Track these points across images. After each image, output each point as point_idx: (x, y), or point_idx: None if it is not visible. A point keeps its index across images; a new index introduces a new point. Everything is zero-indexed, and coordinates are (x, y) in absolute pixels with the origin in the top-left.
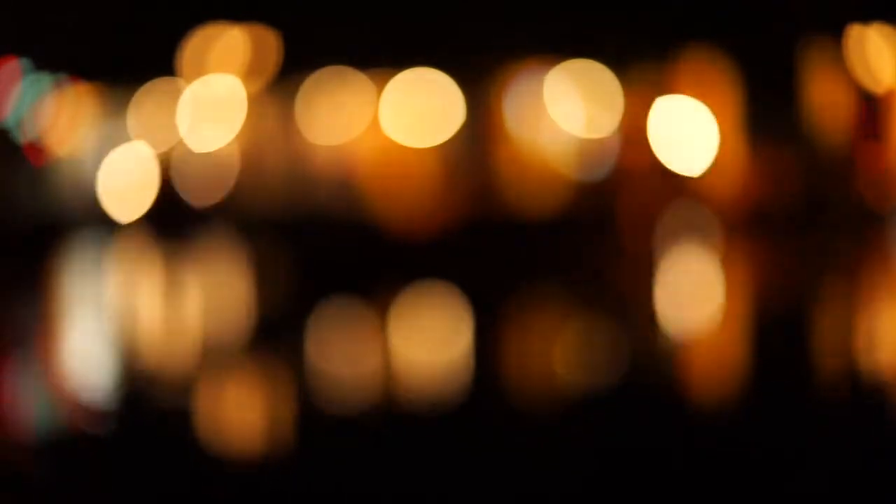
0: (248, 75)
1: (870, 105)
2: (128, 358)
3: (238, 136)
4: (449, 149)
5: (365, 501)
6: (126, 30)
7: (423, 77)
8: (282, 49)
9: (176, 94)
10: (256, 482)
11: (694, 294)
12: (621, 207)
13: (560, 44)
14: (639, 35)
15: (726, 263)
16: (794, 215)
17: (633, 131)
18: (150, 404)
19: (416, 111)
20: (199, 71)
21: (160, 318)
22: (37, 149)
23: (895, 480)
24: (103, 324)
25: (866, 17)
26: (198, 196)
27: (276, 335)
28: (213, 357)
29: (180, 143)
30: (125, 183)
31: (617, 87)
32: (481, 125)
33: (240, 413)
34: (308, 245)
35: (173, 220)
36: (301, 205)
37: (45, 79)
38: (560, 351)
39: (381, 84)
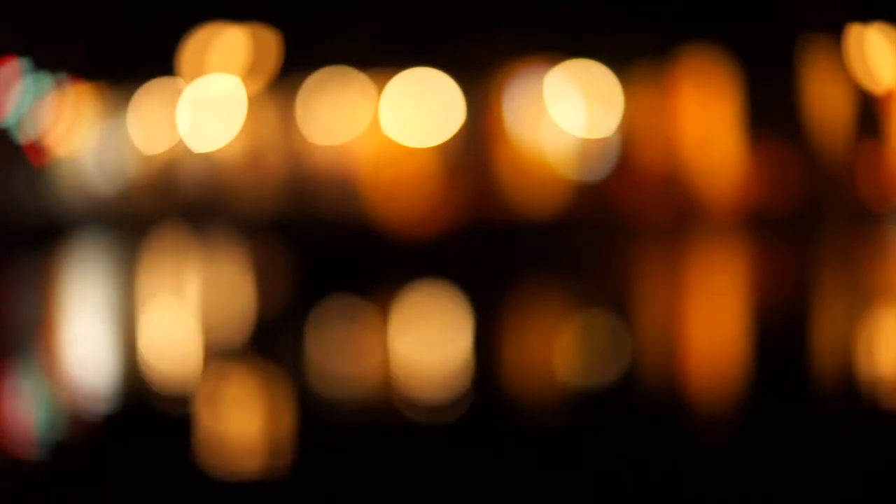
0: (248, 75)
1: (870, 105)
2: (128, 358)
3: (238, 136)
4: (449, 149)
5: (365, 502)
6: (126, 30)
7: (423, 77)
8: (282, 49)
9: (176, 94)
10: (256, 482)
11: (690, 293)
12: (621, 207)
13: (560, 44)
14: (639, 35)
15: (725, 263)
16: (794, 215)
17: (633, 131)
18: (149, 404)
19: (416, 111)
20: (199, 71)
21: (160, 317)
22: (37, 149)
23: (895, 482)
24: (103, 323)
25: (866, 17)
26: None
27: (276, 335)
28: (213, 357)
29: (180, 143)
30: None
31: (617, 87)
32: (481, 125)
33: (240, 413)
34: (308, 245)
35: (176, 220)
36: (301, 205)
37: (45, 79)
38: (560, 351)
39: (381, 84)
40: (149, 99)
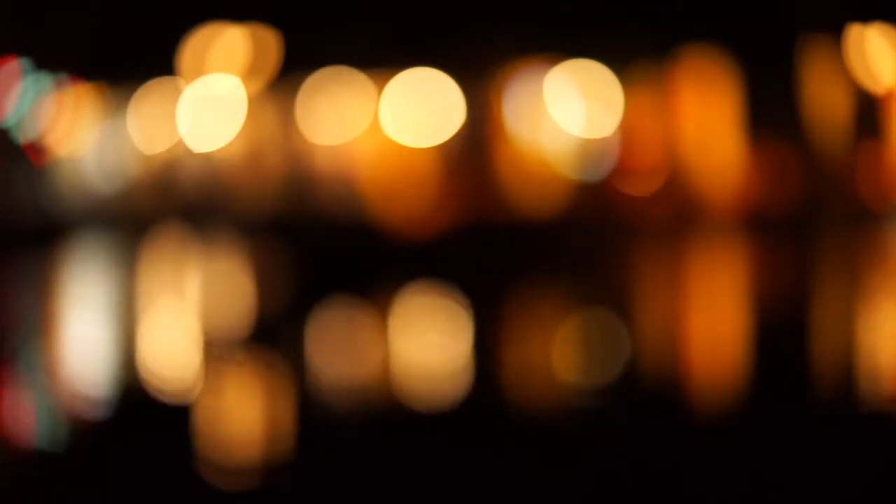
0: (248, 75)
1: (870, 105)
2: (128, 358)
3: (238, 136)
4: (449, 149)
5: (364, 502)
6: (126, 30)
7: (423, 77)
8: (282, 49)
9: (176, 94)
10: (256, 482)
11: (690, 293)
12: (621, 207)
13: (560, 44)
14: (639, 35)
15: (725, 263)
16: (794, 215)
17: (633, 131)
18: (149, 404)
19: (416, 111)
20: (199, 71)
21: (160, 317)
22: (37, 149)
23: (894, 483)
24: (103, 323)
25: (866, 17)
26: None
27: (275, 335)
28: (213, 356)
29: (180, 143)
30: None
31: (617, 87)
32: (481, 125)
33: (239, 412)
34: (308, 245)
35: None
36: (301, 205)
37: (45, 79)
38: (560, 351)
39: (381, 84)
40: (149, 99)
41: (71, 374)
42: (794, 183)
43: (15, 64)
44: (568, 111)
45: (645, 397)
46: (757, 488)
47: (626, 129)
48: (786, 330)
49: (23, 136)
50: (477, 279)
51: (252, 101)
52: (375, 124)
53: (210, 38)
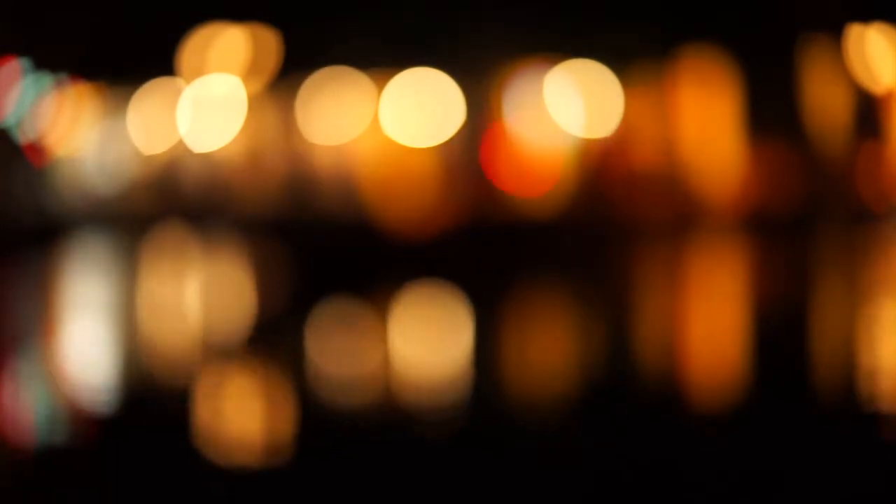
0: (248, 75)
1: (870, 105)
2: (128, 357)
3: (238, 136)
4: (449, 149)
5: (364, 501)
6: (126, 30)
7: (423, 77)
8: (282, 49)
9: (176, 94)
10: (256, 482)
11: (689, 293)
12: (621, 207)
13: (560, 44)
14: (639, 35)
15: (725, 263)
16: (794, 215)
17: (633, 131)
18: (149, 404)
19: (416, 111)
20: (199, 71)
21: (160, 317)
22: (37, 149)
23: (894, 484)
24: (103, 323)
25: (866, 17)
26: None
27: (276, 335)
28: (213, 356)
29: (180, 143)
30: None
31: (617, 87)
32: (481, 125)
33: (240, 413)
34: (308, 245)
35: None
36: (301, 205)
37: (45, 79)
38: (560, 351)
39: (381, 84)
40: (149, 99)
41: (71, 374)
42: (794, 183)
43: (15, 64)
44: (568, 111)
45: (645, 397)
46: (757, 487)
47: (626, 129)
48: (785, 330)
49: (23, 136)
50: (477, 279)
51: (252, 101)
52: (375, 124)
53: (210, 38)
